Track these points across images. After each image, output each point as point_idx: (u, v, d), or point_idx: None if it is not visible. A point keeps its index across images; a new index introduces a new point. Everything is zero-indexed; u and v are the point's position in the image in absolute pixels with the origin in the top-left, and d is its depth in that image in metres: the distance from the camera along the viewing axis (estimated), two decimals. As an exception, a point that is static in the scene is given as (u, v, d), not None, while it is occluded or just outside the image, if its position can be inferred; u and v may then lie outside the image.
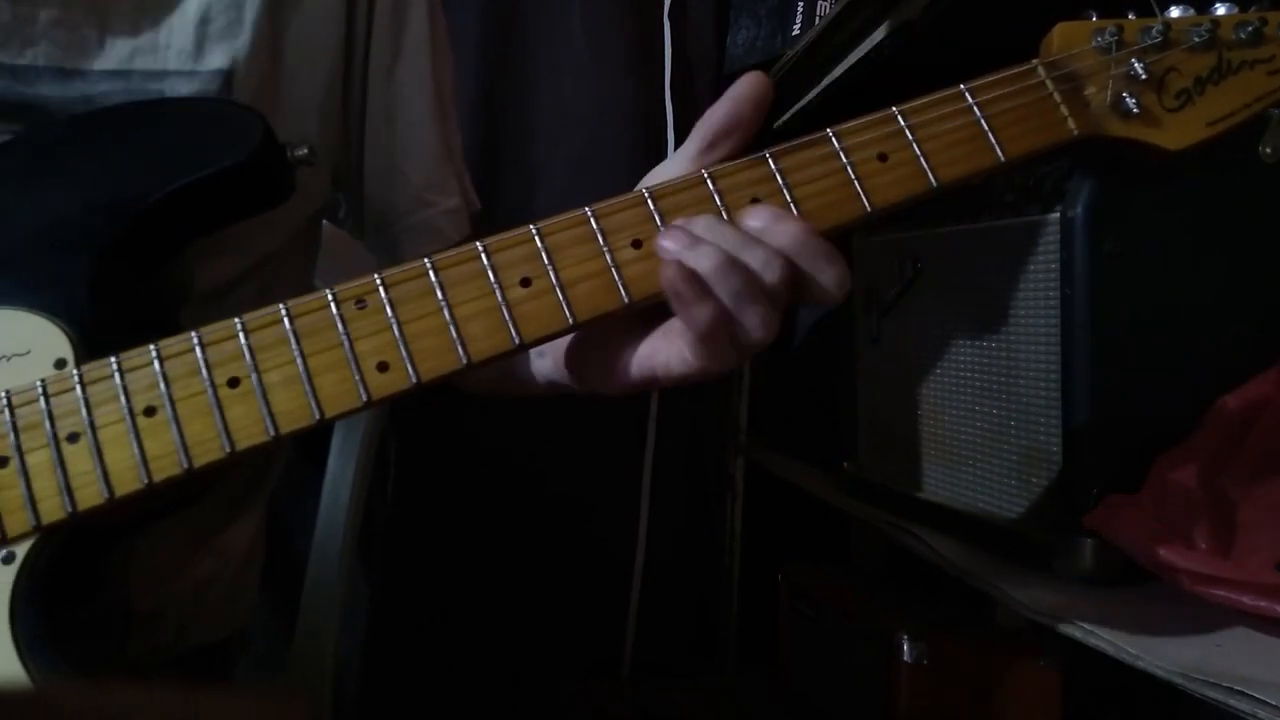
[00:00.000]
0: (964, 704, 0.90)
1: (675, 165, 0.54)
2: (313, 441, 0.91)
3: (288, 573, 0.92)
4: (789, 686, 1.14)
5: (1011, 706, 0.89)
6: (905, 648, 0.89)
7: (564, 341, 0.56)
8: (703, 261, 0.48)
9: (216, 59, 0.64)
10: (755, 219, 0.50)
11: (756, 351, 0.50)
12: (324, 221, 0.79)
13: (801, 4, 1.28)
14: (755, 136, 0.54)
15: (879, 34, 1.00)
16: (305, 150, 0.59)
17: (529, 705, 1.31)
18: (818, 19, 1.22)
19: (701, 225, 0.50)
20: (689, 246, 0.48)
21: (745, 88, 0.53)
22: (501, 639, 1.32)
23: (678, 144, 1.17)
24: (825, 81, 1.14)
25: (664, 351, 0.51)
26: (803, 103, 1.21)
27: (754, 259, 0.48)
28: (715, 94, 1.55)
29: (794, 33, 1.29)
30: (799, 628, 1.12)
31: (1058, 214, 0.74)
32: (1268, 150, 0.63)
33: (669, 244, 0.49)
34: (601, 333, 0.54)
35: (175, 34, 0.63)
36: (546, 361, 0.62)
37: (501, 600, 1.32)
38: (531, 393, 0.67)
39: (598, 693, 1.30)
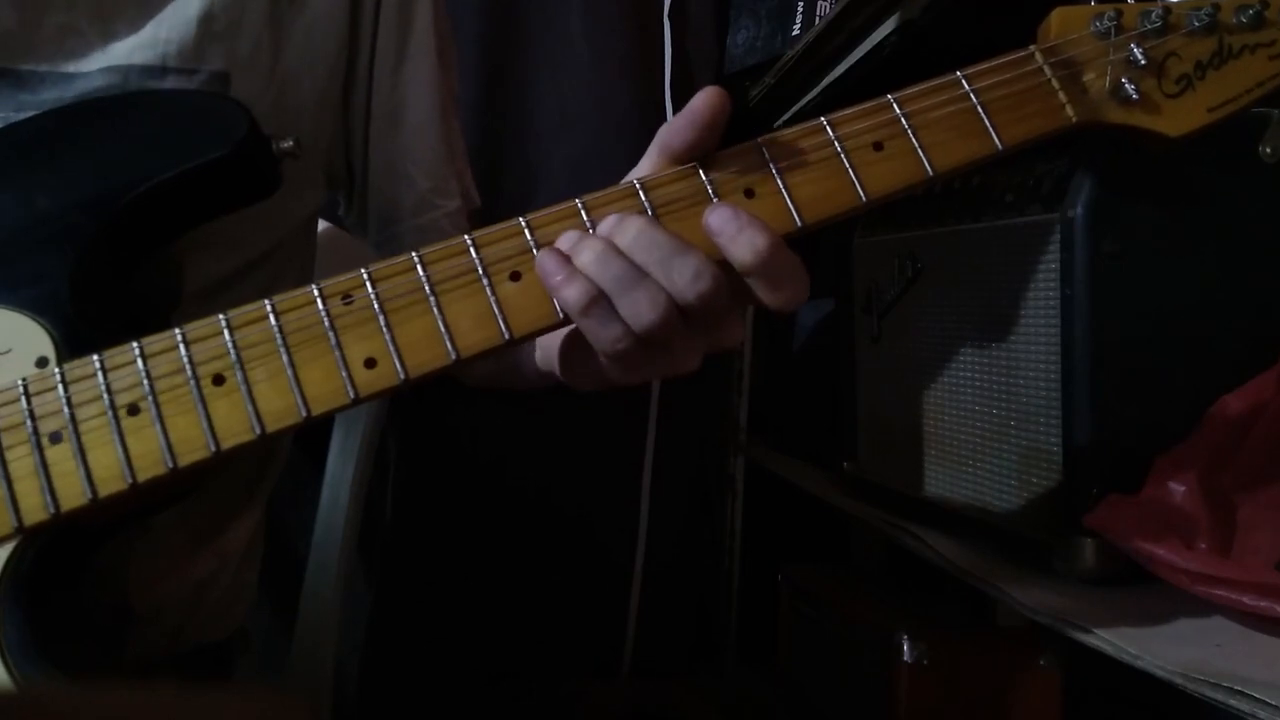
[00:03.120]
0: (964, 704, 0.90)
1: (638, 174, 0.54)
2: (313, 441, 0.91)
3: (288, 573, 0.92)
4: (789, 686, 1.14)
5: (1012, 706, 0.89)
6: (905, 648, 0.89)
7: (555, 340, 0.56)
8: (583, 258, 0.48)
9: (215, 59, 0.64)
10: (715, 218, 0.49)
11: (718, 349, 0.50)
12: (324, 221, 0.79)
13: (801, 4, 1.28)
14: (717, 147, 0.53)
15: (879, 33, 1.00)
16: (290, 143, 0.58)
17: (529, 705, 1.31)
18: (818, 19, 1.22)
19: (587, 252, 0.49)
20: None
21: (703, 101, 0.52)
22: (501, 639, 1.32)
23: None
24: (825, 81, 1.14)
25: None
26: (802, 103, 1.21)
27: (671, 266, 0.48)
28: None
29: (794, 33, 1.29)
30: (799, 628, 1.12)
31: (1058, 214, 0.74)
32: (1268, 150, 0.63)
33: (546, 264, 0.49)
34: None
35: (177, 31, 0.63)
36: (540, 355, 0.62)
37: (501, 600, 1.32)
38: (533, 385, 0.67)
39: (598, 693, 1.30)
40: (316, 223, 0.78)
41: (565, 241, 0.49)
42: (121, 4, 0.63)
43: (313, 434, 0.73)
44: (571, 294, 0.48)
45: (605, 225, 0.50)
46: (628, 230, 0.49)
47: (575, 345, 0.55)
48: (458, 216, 0.77)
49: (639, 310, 0.48)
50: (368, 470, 0.92)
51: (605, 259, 0.48)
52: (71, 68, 0.61)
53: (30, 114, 0.59)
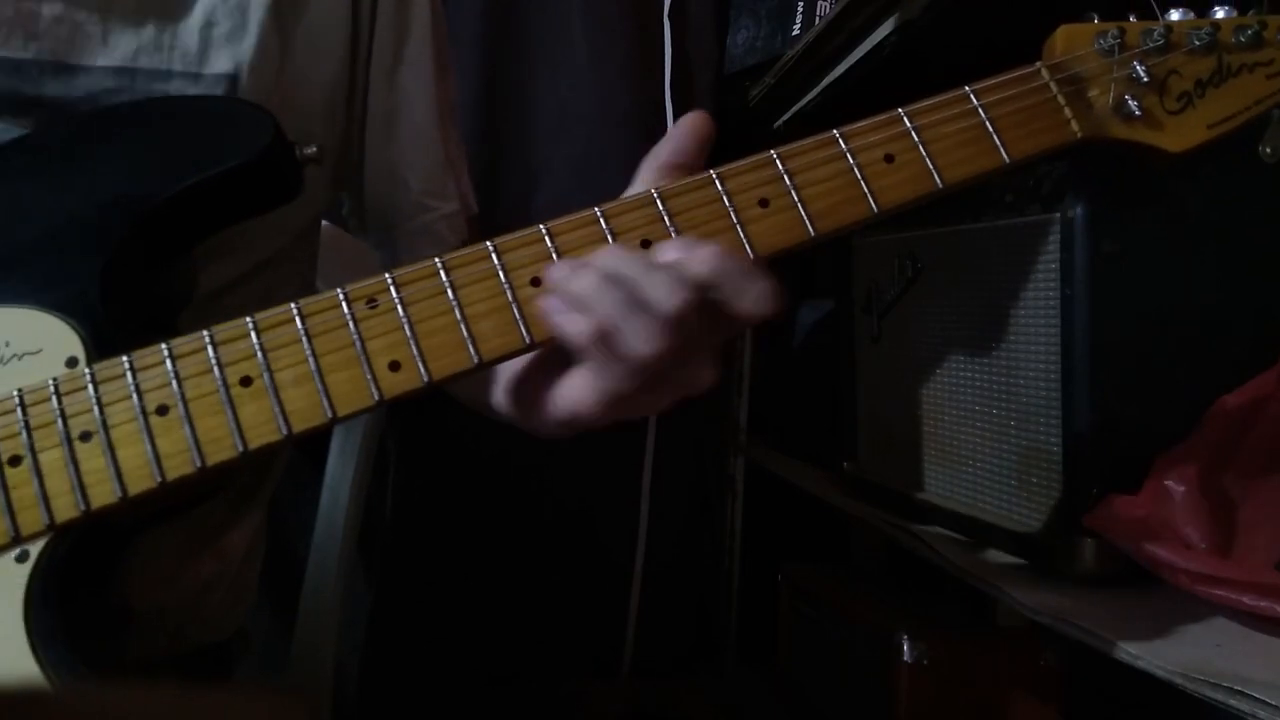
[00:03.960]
0: (964, 704, 0.90)
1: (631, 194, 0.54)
2: (312, 443, 0.91)
3: (288, 574, 0.92)
4: (789, 686, 1.14)
5: (1012, 706, 0.89)
6: (905, 648, 0.89)
7: (512, 376, 0.56)
8: (580, 283, 0.48)
9: (221, 63, 0.64)
10: (668, 252, 0.49)
11: (690, 391, 0.50)
12: (324, 222, 0.79)
13: (801, 4, 1.28)
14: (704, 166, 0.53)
15: (879, 33, 1.00)
16: (314, 149, 0.59)
17: (529, 705, 1.31)
18: (818, 19, 1.22)
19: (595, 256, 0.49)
20: (571, 270, 0.48)
21: (687, 125, 0.53)
22: (502, 640, 1.32)
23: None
24: (825, 81, 1.14)
25: (578, 386, 0.50)
26: (802, 103, 1.21)
27: (647, 284, 0.47)
28: (715, 94, 1.53)
29: (794, 33, 1.29)
30: (799, 628, 1.12)
31: (1058, 214, 0.74)
32: (1267, 150, 0.64)
33: (551, 272, 0.49)
34: (538, 369, 0.53)
35: (179, 36, 0.63)
36: (499, 396, 0.61)
37: (501, 601, 1.32)
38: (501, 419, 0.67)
39: (598, 693, 1.30)
40: (320, 223, 0.78)
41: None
42: None
43: (320, 434, 0.73)
44: (580, 281, 0.47)
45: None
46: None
47: (524, 380, 0.55)
48: (455, 220, 0.77)
49: (658, 287, 0.46)
50: (367, 470, 0.92)
51: (607, 253, 0.48)
52: (71, 59, 0.61)
53: (32, 105, 0.60)
